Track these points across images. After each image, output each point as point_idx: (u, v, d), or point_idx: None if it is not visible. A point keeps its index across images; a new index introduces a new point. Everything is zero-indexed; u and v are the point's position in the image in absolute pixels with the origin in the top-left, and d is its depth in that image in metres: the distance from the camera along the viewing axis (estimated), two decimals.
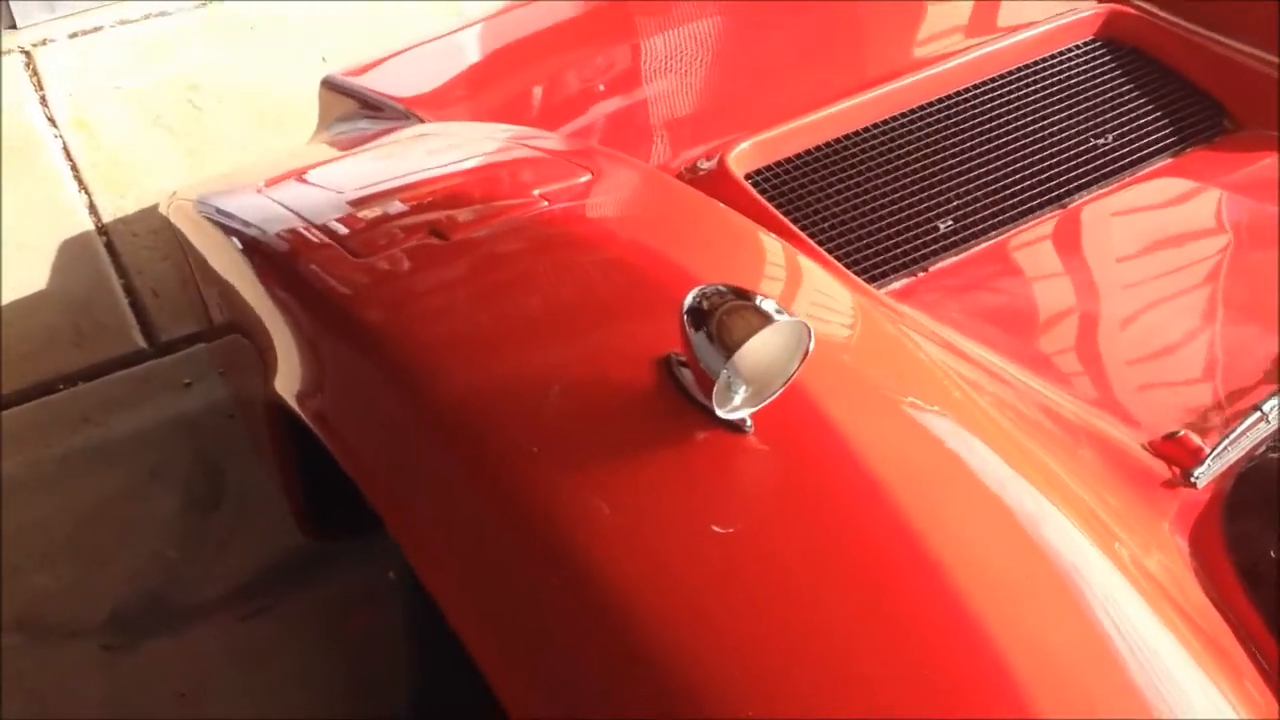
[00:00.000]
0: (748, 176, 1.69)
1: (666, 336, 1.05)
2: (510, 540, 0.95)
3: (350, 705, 1.79)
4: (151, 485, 2.15)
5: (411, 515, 1.03)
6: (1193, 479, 1.14)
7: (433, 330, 1.10)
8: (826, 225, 1.64)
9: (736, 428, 0.97)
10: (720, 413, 0.95)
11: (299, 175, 1.54)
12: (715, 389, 0.93)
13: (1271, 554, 1.03)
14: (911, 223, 1.65)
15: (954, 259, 1.60)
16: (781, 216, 1.64)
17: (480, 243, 1.20)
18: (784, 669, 0.83)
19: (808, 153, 1.74)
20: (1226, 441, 1.15)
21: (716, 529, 0.91)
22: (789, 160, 1.73)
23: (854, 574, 0.89)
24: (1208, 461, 1.14)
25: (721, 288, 0.96)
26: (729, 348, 0.91)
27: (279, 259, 1.31)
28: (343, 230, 1.28)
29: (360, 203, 1.35)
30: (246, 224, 1.43)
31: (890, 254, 1.61)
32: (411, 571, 1.48)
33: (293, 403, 1.25)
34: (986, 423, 1.10)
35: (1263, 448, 1.17)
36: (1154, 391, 1.32)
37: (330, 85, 2.15)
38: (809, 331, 0.94)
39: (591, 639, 0.88)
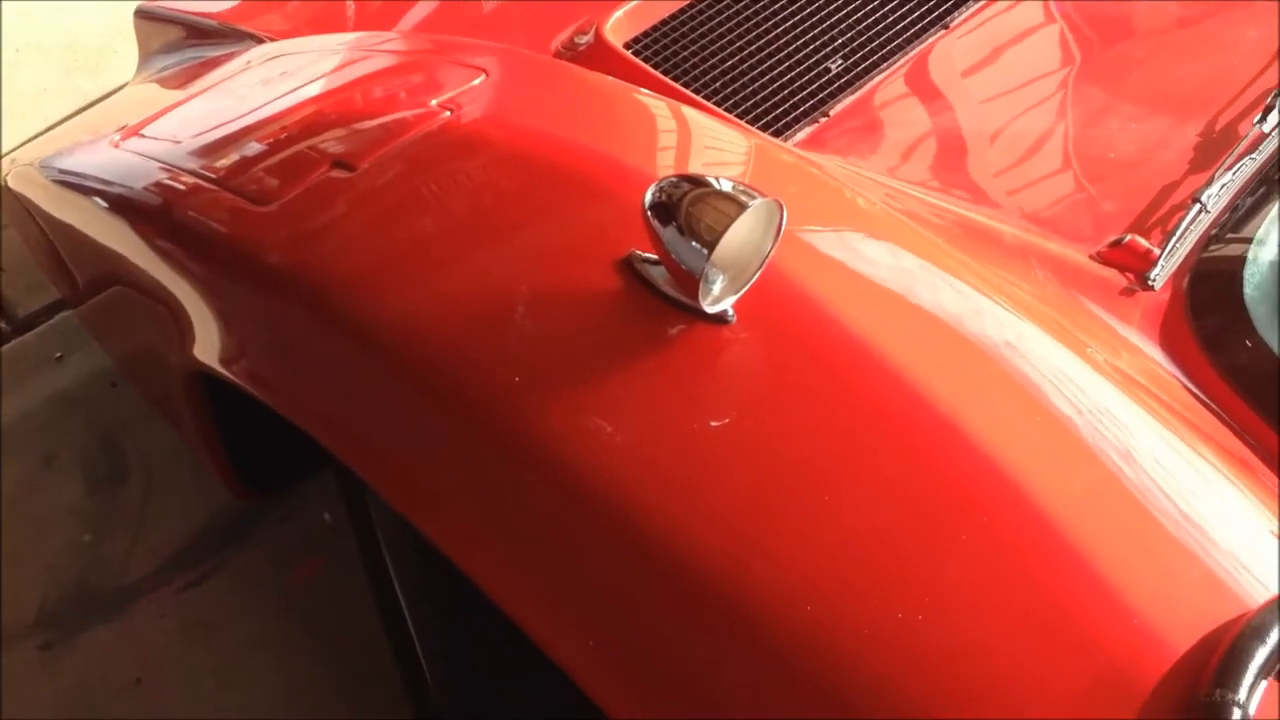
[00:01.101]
0: (627, 45, 1.62)
1: (617, 235, 1.00)
2: (515, 479, 0.90)
3: (317, 657, 1.74)
4: (47, 472, 2.02)
5: (393, 467, 0.97)
6: (1150, 281, 1.15)
7: (374, 271, 1.02)
8: (717, 85, 1.59)
9: (721, 318, 0.93)
10: (705, 307, 0.91)
11: (157, 122, 1.41)
12: (700, 286, 0.88)
13: (1248, 344, 1.05)
14: (801, 69, 1.61)
15: (852, 98, 1.57)
16: (671, 82, 1.58)
17: (392, 167, 1.12)
18: (826, 546, 0.82)
19: (682, 11, 1.67)
20: (1175, 238, 1.16)
21: (728, 423, 0.88)
22: (665, 23, 1.66)
23: (874, 439, 0.87)
24: (1160, 262, 1.15)
25: (676, 179, 0.91)
26: (708, 241, 0.86)
27: (172, 220, 1.20)
28: (233, 178, 1.18)
29: (239, 143, 1.24)
30: (114, 183, 1.31)
31: (788, 104, 1.57)
32: (362, 515, 1.45)
33: (220, 367, 1.17)
34: (948, 257, 1.08)
35: (1207, 238, 1.19)
36: (1084, 202, 1.32)
37: (146, 15, 1.98)
38: (781, 208, 0.90)
39: (625, 564, 0.84)
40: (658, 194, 0.91)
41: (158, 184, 1.23)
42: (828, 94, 1.58)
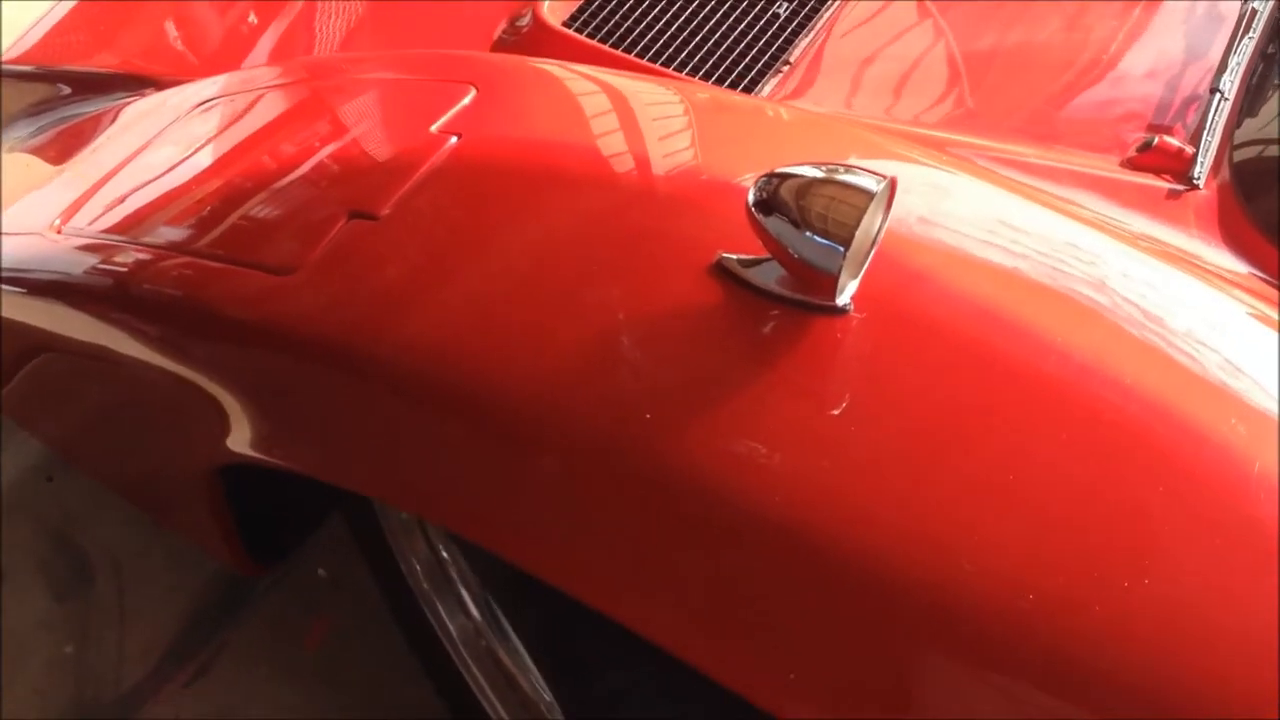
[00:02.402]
0: (566, 23, 1.54)
1: (694, 240, 0.93)
2: (673, 521, 0.83)
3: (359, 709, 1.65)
4: (4, 590, 1.85)
5: (530, 534, 0.90)
6: (1195, 180, 1.13)
7: (444, 324, 0.93)
8: (669, 50, 1.52)
9: (839, 310, 0.87)
10: (840, 301, 0.85)
11: (97, 199, 1.26)
12: (839, 282, 0.83)
13: None
14: (750, 18, 1.55)
15: (808, 39, 1.52)
16: (622, 54, 1.50)
17: (419, 208, 1.02)
18: (1029, 527, 0.78)
19: None
20: (1207, 132, 1.15)
21: (887, 418, 0.82)
22: None
23: (1034, 403, 0.83)
24: (1199, 158, 1.14)
25: (779, 173, 0.85)
26: (841, 237, 0.81)
27: (181, 309, 1.07)
28: (241, 251, 1.06)
29: (226, 210, 1.11)
30: (81, 278, 1.17)
31: (747, 58, 1.51)
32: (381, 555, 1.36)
33: (260, 454, 1.07)
34: (1016, 188, 1.04)
35: (1232, 126, 1.18)
36: (1089, 113, 1.30)
37: (8, 74, 1.79)
38: (892, 184, 0.85)
39: (811, 597, 0.79)
40: (763, 192, 0.84)
41: (146, 271, 1.10)
42: (784, 39, 1.52)
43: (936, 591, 0.77)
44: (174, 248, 1.11)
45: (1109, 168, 1.19)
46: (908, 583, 0.77)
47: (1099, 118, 1.28)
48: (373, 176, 1.07)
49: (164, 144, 1.29)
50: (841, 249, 0.81)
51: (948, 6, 1.47)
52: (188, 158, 1.23)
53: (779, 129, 1.16)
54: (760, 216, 0.84)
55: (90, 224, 1.22)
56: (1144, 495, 0.78)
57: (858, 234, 0.81)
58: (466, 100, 1.13)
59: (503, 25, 1.55)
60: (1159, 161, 1.17)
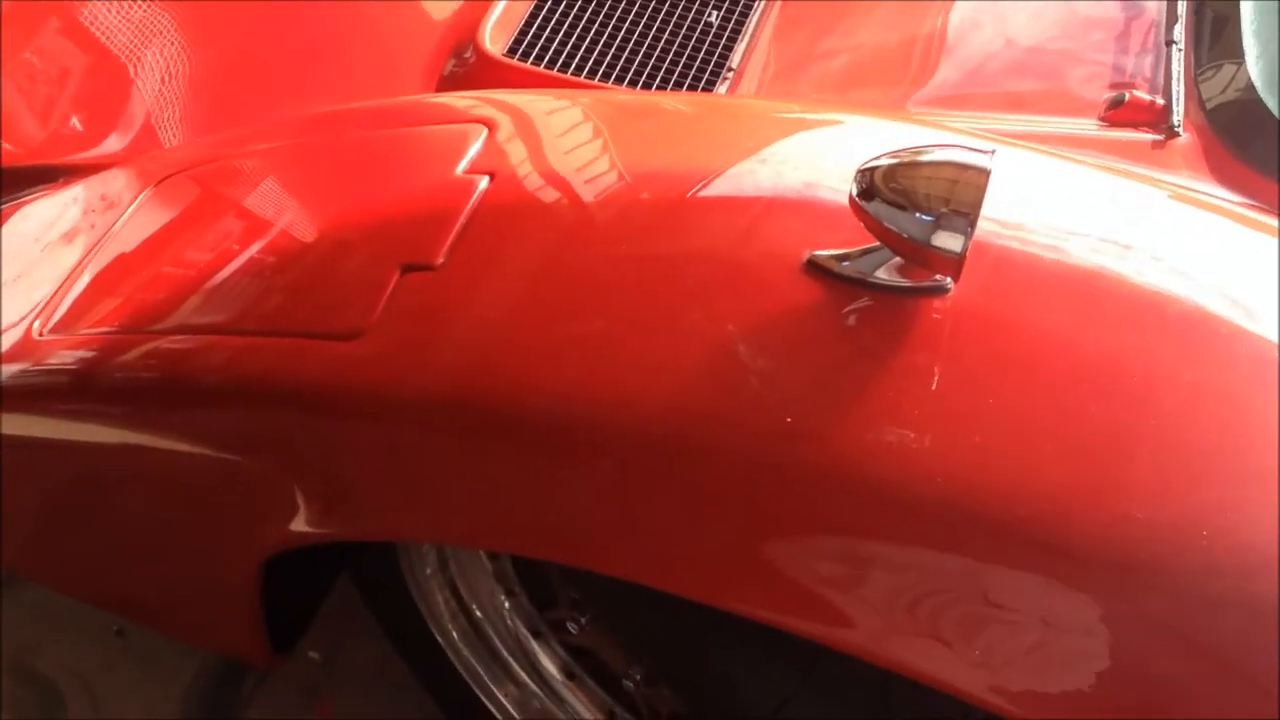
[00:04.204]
0: (507, 52, 1.52)
1: (773, 243, 0.94)
2: (851, 528, 0.84)
3: None
4: None
5: (692, 564, 0.88)
6: (1175, 128, 1.20)
7: (561, 370, 0.90)
8: (612, 68, 1.52)
9: (943, 289, 0.89)
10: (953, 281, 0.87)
11: (80, 294, 1.17)
12: (961, 261, 0.84)
13: None
14: (685, 30, 1.56)
15: (744, 44, 1.54)
16: (571, 78, 1.50)
17: (476, 251, 0.99)
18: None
19: (540, 5, 1.57)
20: (1176, 81, 1.22)
21: (1026, 381, 0.85)
22: (532, 19, 1.56)
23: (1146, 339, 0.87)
24: (1174, 107, 1.21)
25: (881, 161, 0.86)
26: (968, 216, 0.82)
27: (231, 397, 1.01)
28: (289, 323, 1.01)
29: (261, 282, 1.06)
30: (103, 380, 1.09)
31: (692, 69, 1.52)
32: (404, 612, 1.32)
33: (345, 530, 1.03)
34: (1042, 152, 1.08)
35: (1192, 70, 1.26)
36: (1053, 80, 1.36)
37: None
38: (993, 154, 0.87)
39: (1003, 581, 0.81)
40: (866, 181, 0.85)
41: (183, 359, 1.03)
42: (722, 46, 1.54)
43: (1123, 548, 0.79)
44: (209, 330, 1.04)
45: (1088, 127, 1.25)
46: (1093, 541, 0.79)
47: (1059, 83, 1.35)
48: (413, 227, 1.03)
49: (138, 225, 1.21)
50: (968, 229, 0.82)
51: None
52: (182, 235, 1.16)
53: (774, 123, 1.17)
54: (869, 206, 0.85)
55: (84, 321, 1.13)
56: None
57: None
58: (481, 140, 1.10)
59: (451, 61, 1.51)
60: (1134, 115, 1.23)
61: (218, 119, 1.48)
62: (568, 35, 1.54)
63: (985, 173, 0.83)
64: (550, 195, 1.02)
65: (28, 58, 1.55)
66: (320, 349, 0.97)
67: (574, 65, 1.51)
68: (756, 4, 1.58)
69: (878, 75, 1.42)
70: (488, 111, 1.15)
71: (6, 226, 1.42)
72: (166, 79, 1.51)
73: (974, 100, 1.34)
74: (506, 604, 1.38)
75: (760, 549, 0.86)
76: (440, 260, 0.99)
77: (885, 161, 0.85)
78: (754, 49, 1.53)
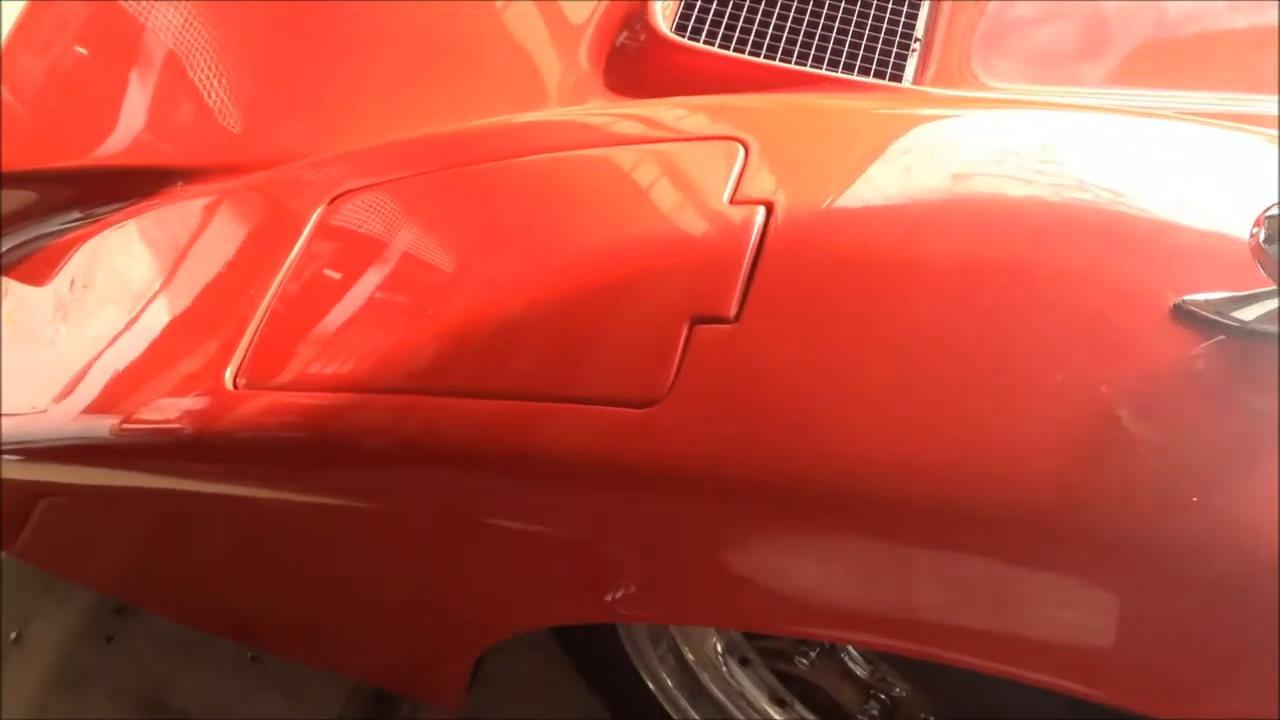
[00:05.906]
0: (677, 30, 1.38)
1: (1130, 287, 0.84)
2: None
3: None
4: None
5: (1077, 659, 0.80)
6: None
7: (915, 444, 0.79)
8: (798, 44, 1.38)
9: None
10: None
11: (282, 342, 1.05)
12: None
13: None
14: (860, 2, 1.42)
15: (924, 7, 1.41)
16: (749, 58, 1.36)
17: (779, 302, 0.87)
18: None
19: None
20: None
21: None
22: None
23: None
24: None
25: None
26: None
27: (491, 467, 0.90)
28: (565, 386, 0.89)
29: (514, 335, 0.93)
30: (334, 442, 0.97)
31: (877, 43, 1.39)
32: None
33: (635, 614, 0.95)
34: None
35: None
36: (1236, 55, 1.26)
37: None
38: None
39: None
40: (1276, 227, 0.75)
41: (434, 423, 0.90)
42: (906, 13, 1.41)
43: None
44: (451, 392, 0.92)
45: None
46: None
47: (1242, 57, 1.24)
48: (692, 270, 0.91)
49: (321, 254, 1.07)
50: None
51: None
52: (380, 270, 1.03)
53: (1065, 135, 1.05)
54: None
55: (290, 372, 1.00)
56: None
57: None
58: (740, 161, 0.98)
59: (623, 34, 1.37)
60: None
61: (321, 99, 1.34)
62: (737, 9, 1.40)
63: None
64: (846, 233, 0.91)
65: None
66: (605, 417, 0.86)
67: (748, 42, 1.37)
68: None
69: (1087, 48, 1.30)
70: (732, 126, 1.03)
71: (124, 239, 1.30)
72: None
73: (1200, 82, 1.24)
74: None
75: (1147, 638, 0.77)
76: (733, 311, 0.87)
77: None
78: (938, 16, 1.40)
